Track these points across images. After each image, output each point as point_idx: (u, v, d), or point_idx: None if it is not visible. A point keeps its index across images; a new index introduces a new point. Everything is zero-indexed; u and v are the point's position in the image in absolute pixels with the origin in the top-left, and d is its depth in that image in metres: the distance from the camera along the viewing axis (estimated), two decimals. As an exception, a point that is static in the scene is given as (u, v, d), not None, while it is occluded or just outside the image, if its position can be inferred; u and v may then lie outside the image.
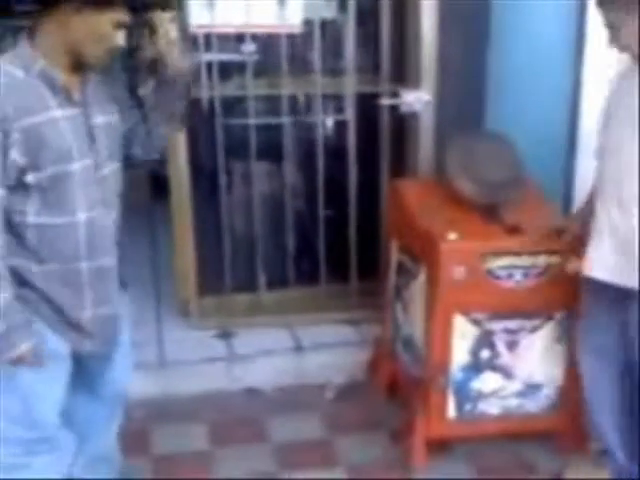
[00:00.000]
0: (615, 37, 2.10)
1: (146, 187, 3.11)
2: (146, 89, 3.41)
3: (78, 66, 1.87)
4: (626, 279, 2.15)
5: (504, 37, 3.21)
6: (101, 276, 1.96)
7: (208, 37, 3.34)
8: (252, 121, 3.43)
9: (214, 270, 3.54)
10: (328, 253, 3.61)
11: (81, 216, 1.88)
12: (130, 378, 2.26)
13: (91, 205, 1.89)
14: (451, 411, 2.63)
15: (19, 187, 1.80)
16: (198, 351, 3.29)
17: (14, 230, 1.84)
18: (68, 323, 1.94)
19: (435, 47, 3.27)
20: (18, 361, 1.85)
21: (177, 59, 2.04)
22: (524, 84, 3.10)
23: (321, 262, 3.61)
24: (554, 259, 2.51)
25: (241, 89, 3.42)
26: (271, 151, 3.57)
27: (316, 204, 3.56)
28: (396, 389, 3.04)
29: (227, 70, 3.47)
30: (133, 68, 3.65)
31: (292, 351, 3.32)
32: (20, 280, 1.86)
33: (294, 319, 3.53)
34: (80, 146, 1.86)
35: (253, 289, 3.62)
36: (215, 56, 3.40)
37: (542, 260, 2.53)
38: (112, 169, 1.98)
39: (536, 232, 2.58)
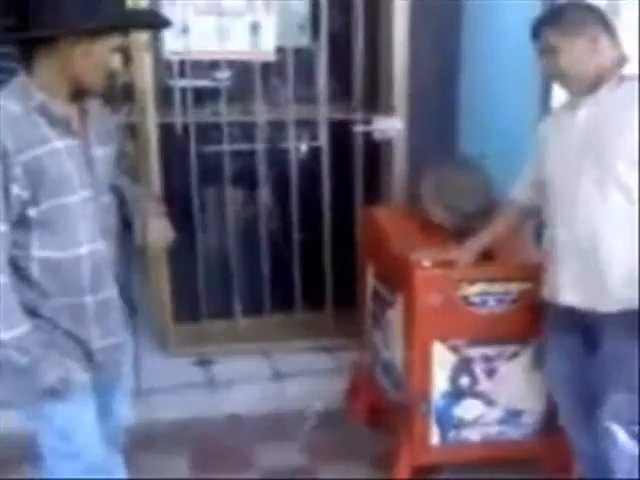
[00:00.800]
0: (553, 63, 2.17)
1: (118, 214, 3.10)
2: (120, 116, 3.42)
3: (77, 95, 1.86)
4: (594, 303, 2.20)
5: (475, 62, 3.27)
6: (106, 309, 1.96)
7: (182, 63, 3.36)
8: (226, 147, 3.44)
9: (190, 298, 3.54)
10: (303, 280, 3.63)
11: (84, 249, 1.87)
12: (125, 410, 2.26)
13: (92, 237, 1.89)
14: (434, 438, 2.65)
15: (22, 222, 1.79)
16: (177, 379, 3.29)
17: (19, 265, 1.83)
18: (82, 353, 1.94)
19: (407, 74, 3.33)
20: (52, 393, 1.85)
21: (158, 240, 2.09)
22: (496, 108, 3.15)
23: (296, 289, 3.64)
24: (527, 286, 2.54)
25: (215, 115, 3.44)
26: (245, 177, 3.59)
27: (291, 231, 3.58)
28: (375, 415, 3.05)
29: (201, 96, 3.48)
30: (107, 95, 3.66)
31: (270, 378, 3.33)
32: (32, 313, 1.86)
33: (271, 346, 3.54)
34: (80, 177, 1.85)
35: (229, 316, 3.63)
36: (189, 82, 3.41)
37: (515, 287, 2.56)
38: (108, 199, 1.98)
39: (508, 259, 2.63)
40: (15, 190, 1.75)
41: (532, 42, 2.24)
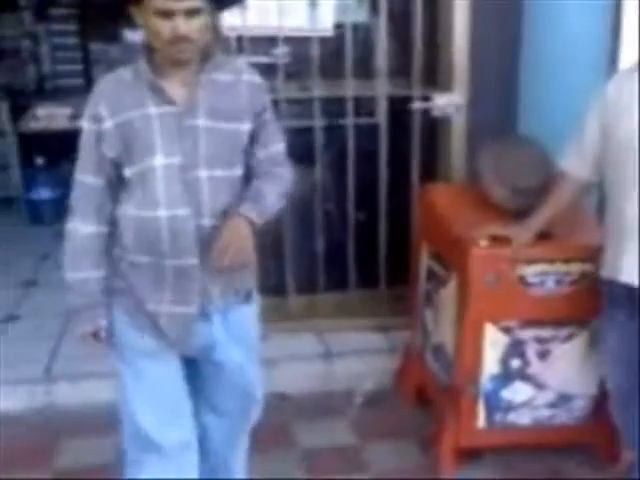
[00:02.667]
0: None
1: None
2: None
3: (173, 65, 1.91)
4: None
5: (537, 39, 3.16)
6: (182, 275, 1.96)
7: (240, 39, 3.34)
8: (283, 124, 3.41)
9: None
10: (358, 258, 3.59)
11: (163, 212, 1.91)
12: (252, 402, 2.24)
13: (173, 203, 1.91)
14: (481, 421, 2.60)
15: (121, 181, 1.96)
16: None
17: (117, 220, 1.98)
18: (147, 318, 2.00)
19: (467, 50, 3.25)
20: (84, 338, 2.03)
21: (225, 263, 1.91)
22: (558, 87, 3.04)
23: (351, 267, 3.60)
24: (588, 267, 2.45)
25: (272, 92, 3.40)
26: (302, 154, 3.54)
27: (346, 208, 3.54)
28: (424, 396, 3.01)
29: (258, 73, 3.45)
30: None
31: (321, 357, 3.31)
32: (114, 269, 2.01)
33: (323, 324, 3.52)
34: (167, 143, 1.91)
35: (282, 293, 3.61)
36: (247, 59, 3.39)
37: (576, 267, 2.48)
38: (214, 175, 1.94)
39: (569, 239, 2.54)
40: (104, 149, 1.92)
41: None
